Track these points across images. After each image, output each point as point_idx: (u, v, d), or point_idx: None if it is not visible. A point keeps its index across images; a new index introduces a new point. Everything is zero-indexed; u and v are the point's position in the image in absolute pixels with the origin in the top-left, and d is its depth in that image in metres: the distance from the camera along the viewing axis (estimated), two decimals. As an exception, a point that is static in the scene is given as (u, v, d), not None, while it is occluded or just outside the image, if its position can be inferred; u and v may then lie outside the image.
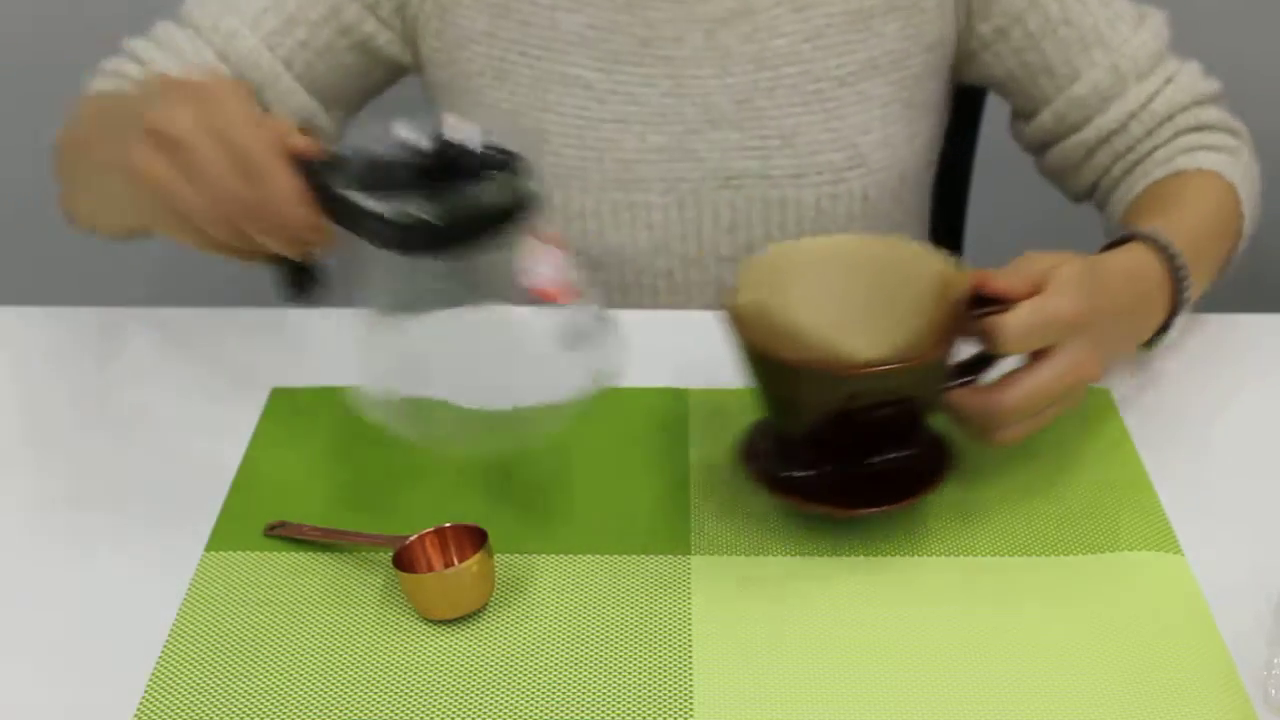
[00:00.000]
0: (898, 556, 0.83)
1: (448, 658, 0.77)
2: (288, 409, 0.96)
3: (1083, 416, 0.94)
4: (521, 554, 0.83)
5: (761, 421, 0.88)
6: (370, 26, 1.11)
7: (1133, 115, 1.11)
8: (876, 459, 0.84)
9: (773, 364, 0.81)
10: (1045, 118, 1.14)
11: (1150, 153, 1.11)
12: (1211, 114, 1.12)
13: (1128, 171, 1.12)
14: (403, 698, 0.74)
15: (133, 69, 1.07)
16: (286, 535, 0.84)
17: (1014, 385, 0.82)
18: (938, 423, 0.86)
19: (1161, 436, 0.92)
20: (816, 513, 0.83)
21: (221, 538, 0.85)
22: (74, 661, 0.77)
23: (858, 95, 1.10)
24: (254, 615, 0.79)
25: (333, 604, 0.80)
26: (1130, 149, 1.12)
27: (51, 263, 1.89)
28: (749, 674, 0.76)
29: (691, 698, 0.74)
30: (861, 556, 0.83)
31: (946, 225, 1.38)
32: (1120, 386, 0.97)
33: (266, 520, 0.85)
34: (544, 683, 0.75)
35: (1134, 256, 0.94)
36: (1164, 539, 0.84)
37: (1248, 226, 1.09)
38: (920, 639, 0.77)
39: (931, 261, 0.85)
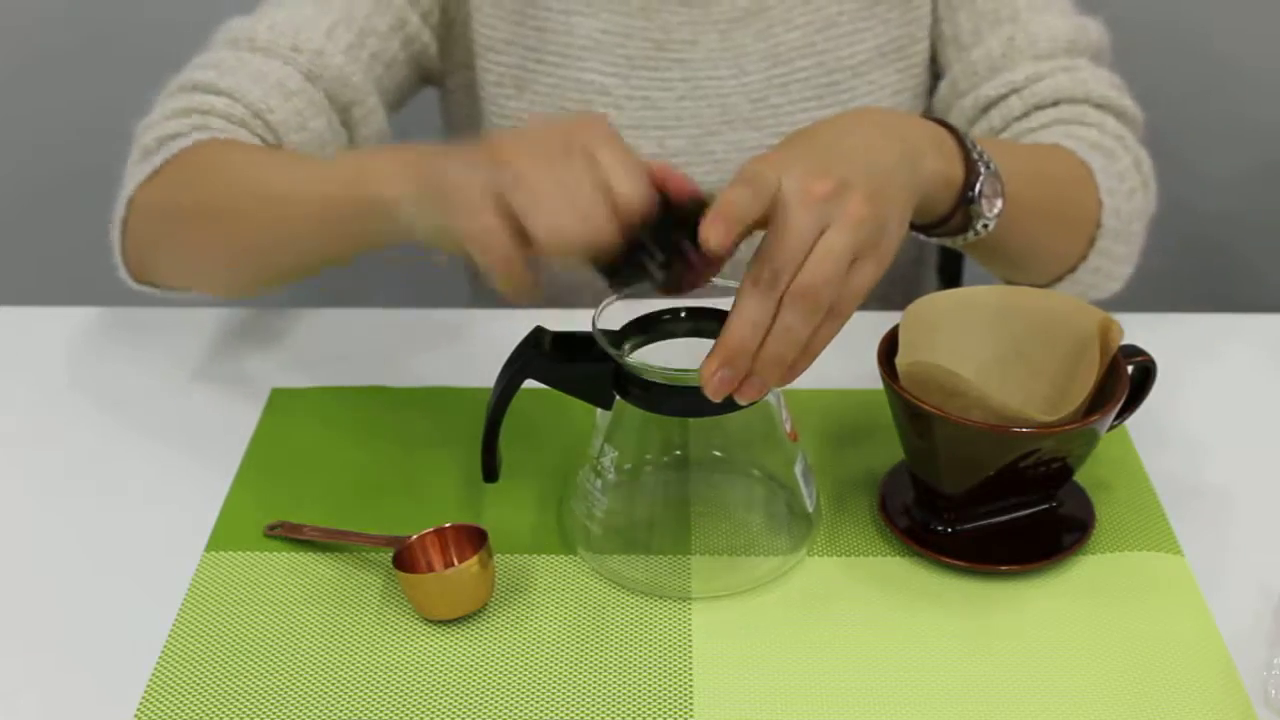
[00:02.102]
0: (897, 557, 0.83)
1: (448, 658, 0.77)
2: (288, 409, 0.96)
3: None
4: (521, 554, 0.83)
5: (898, 473, 0.87)
6: (426, 36, 1.10)
7: (1015, 89, 1.06)
8: (1022, 513, 0.84)
9: (952, 426, 0.78)
10: (943, 87, 1.11)
11: (1024, 135, 1.05)
12: (1102, 119, 1.05)
13: None
14: (403, 698, 0.74)
15: (218, 101, 0.98)
16: (286, 535, 0.84)
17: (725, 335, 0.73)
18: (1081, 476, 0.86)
19: (1162, 437, 0.92)
20: (961, 568, 0.82)
21: (221, 538, 0.85)
22: (74, 661, 0.77)
23: (870, 85, 1.11)
24: (254, 615, 0.79)
25: (333, 604, 0.80)
26: (1006, 126, 1.07)
27: (51, 263, 1.89)
28: (749, 674, 0.76)
29: (691, 698, 0.74)
30: (861, 556, 0.83)
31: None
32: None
33: (266, 520, 0.85)
34: (544, 683, 0.75)
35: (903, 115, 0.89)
36: (1164, 539, 0.84)
37: (1111, 223, 1.00)
38: (920, 639, 0.77)
39: (1078, 313, 0.84)
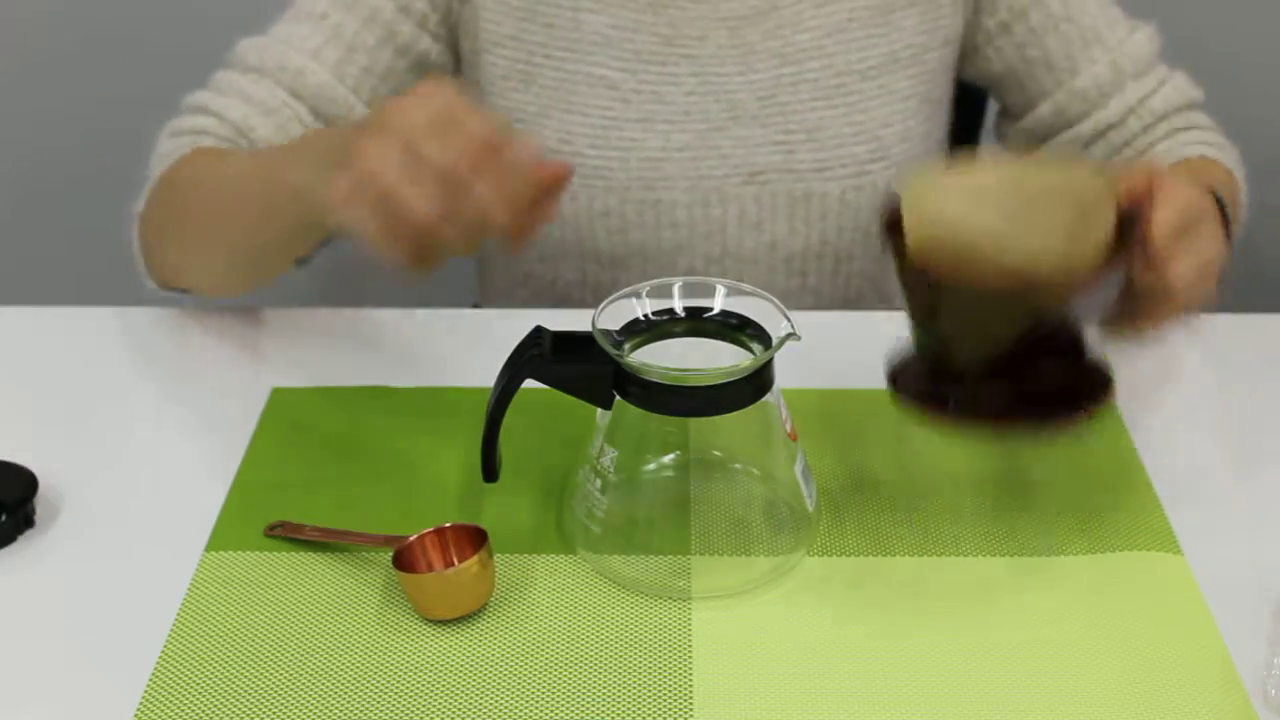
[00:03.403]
0: (897, 556, 0.83)
1: (448, 658, 0.77)
2: (288, 409, 0.96)
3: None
4: (521, 554, 0.83)
5: (906, 357, 0.84)
6: (424, 44, 1.11)
7: (1131, 111, 1.13)
8: (1037, 381, 0.80)
9: (969, 292, 0.76)
10: (1043, 111, 1.15)
11: (1148, 148, 1.13)
12: (1202, 119, 1.15)
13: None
14: (403, 698, 0.74)
15: (208, 121, 1.05)
16: (286, 535, 0.84)
17: (1162, 219, 0.79)
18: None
19: (1161, 436, 0.92)
20: (987, 431, 0.80)
21: (221, 538, 0.85)
22: (74, 662, 0.77)
23: (879, 89, 1.11)
24: (254, 615, 0.79)
25: (333, 604, 0.80)
26: (1127, 144, 1.14)
27: (51, 263, 1.89)
28: (749, 674, 0.76)
29: (691, 698, 0.74)
30: (861, 556, 0.83)
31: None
32: (1120, 387, 0.97)
33: (266, 520, 0.85)
34: (544, 683, 0.75)
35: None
36: (1164, 539, 0.84)
37: (1243, 216, 1.10)
38: (920, 639, 0.77)
39: (1075, 171, 0.82)
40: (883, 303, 1.18)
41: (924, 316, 0.81)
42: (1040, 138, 1.17)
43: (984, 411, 0.80)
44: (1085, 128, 1.14)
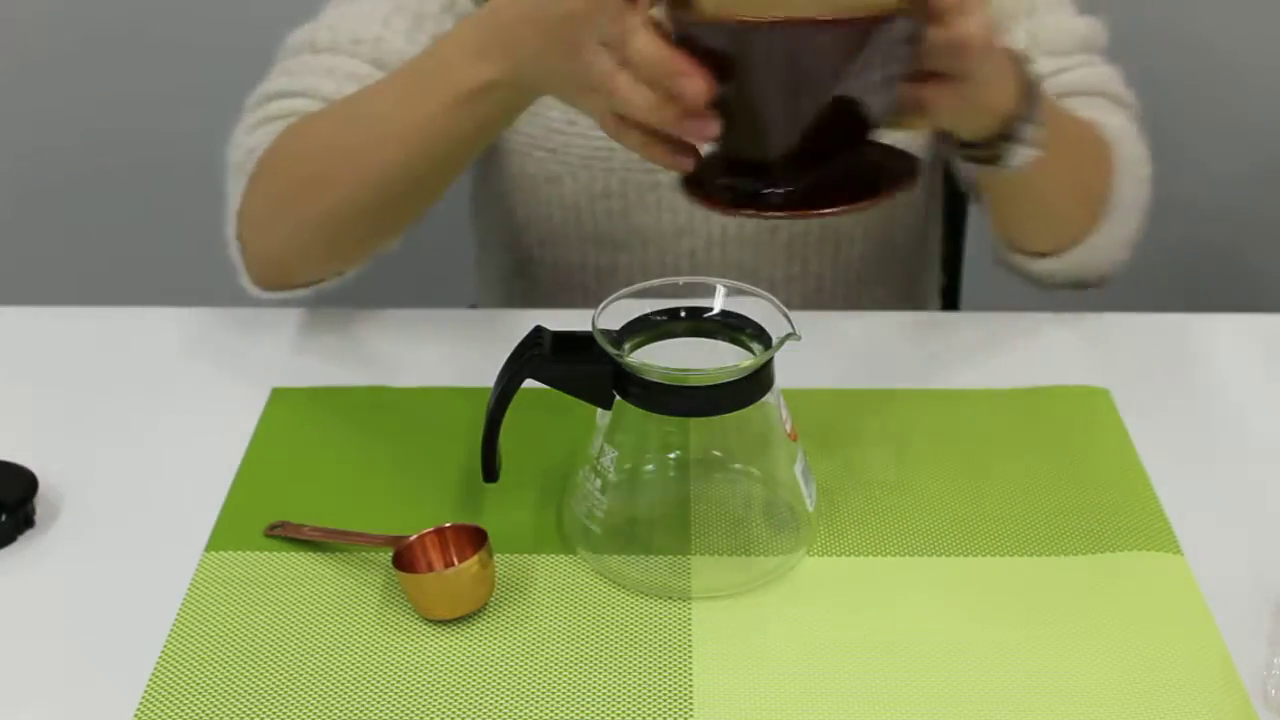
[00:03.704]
0: (897, 556, 0.83)
1: (448, 658, 0.77)
2: (288, 409, 0.96)
3: (1083, 416, 0.94)
4: (521, 554, 0.83)
5: (704, 160, 0.80)
6: (472, 8, 1.08)
7: (1040, 79, 1.06)
8: (839, 163, 0.78)
9: (765, 36, 0.73)
10: None
11: None
12: (1115, 112, 1.08)
13: None
14: (403, 698, 0.74)
15: (298, 102, 1.01)
16: (286, 535, 0.84)
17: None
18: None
19: (1161, 436, 0.92)
20: (781, 217, 0.79)
21: (221, 538, 0.85)
22: (74, 662, 0.77)
23: None
24: (254, 615, 0.79)
25: (333, 604, 0.80)
26: None
27: (51, 263, 1.89)
28: (749, 674, 0.76)
29: (691, 698, 0.74)
30: (861, 556, 0.83)
31: (951, 206, 1.37)
32: (1120, 387, 0.97)
33: (266, 520, 0.85)
34: (544, 683, 0.75)
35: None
36: (1164, 539, 0.84)
37: (1120, 205, 1.04)
38: (920, 639, 0.77)
39: None
40: (877, 304, 1.18)
41: (722, 86, 0.75)
42: None
43: (790, 200, 0.77)
44: None
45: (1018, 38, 1.09)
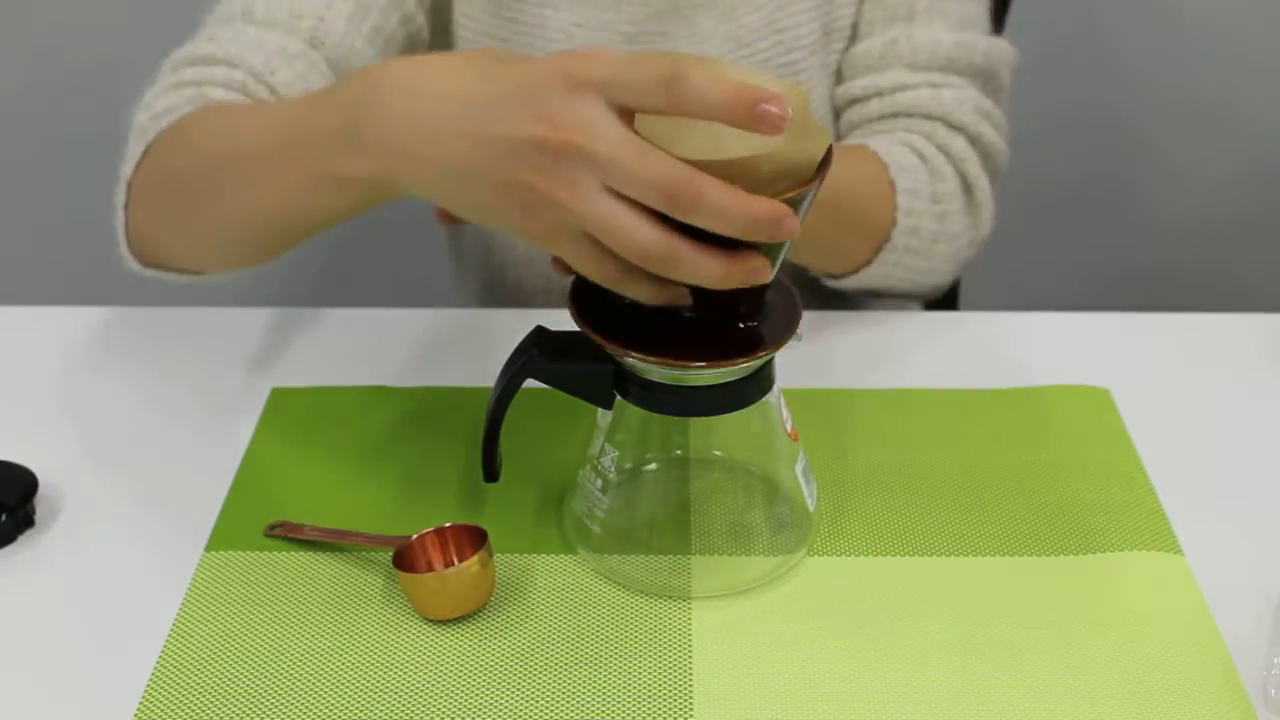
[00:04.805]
0: (897, 556, 0.83)
1: (448, 658, 0.77)
2: (288, 409, 0.96)
3: (1083, 416, 0.94)
4: (521, 554, 0.83)
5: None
6: (420, 20, 1.09)
7: (878, 93, 1.08)
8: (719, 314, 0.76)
9: None
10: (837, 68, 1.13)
11: (869, 137, 1.07)
12: (950, 139, 1.06)
13: None
14: (403, 698, 0.74)
15: (217, 71, 0.96)
16: (286, 535, 0.84)
17: None
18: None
19: (1161, 436, 0.92)
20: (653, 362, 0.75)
21: (221, 538, 0.85)
22: (74, 661, 0.77)
23: (821, 62, 1.12)
24: (254, 615, 0.79)
25: (333, 604, 0.80)
26: (860, 125, 1.09)
27: (52, 263, 1.89)
28: (749, 674, 0.76)
29: (691, 698, 0.74)
30: (861, 556, 0.83)
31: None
32: (1120, 387, 0.97)
33: (266, 520, 0.85)
34: (544, 683, 0.75)
35: None
36: (1164, 539, 0.84)
37: (903, 240, 1.02)
38: (920, 639, 0.78)
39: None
40: (878, 304, 1.18)
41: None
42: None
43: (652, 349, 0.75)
44: (839, 92, 1.10)
45: (875, 46, 1.08)
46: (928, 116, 1.07)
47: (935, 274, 1.06)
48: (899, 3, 1.09)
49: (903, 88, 1.07)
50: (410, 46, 1.10)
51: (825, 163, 0.72)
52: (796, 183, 0.70)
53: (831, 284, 1.06)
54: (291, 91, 0.96)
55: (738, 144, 0.68)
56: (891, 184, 1.01)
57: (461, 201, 0.73)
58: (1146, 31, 1.77)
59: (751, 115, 0.65)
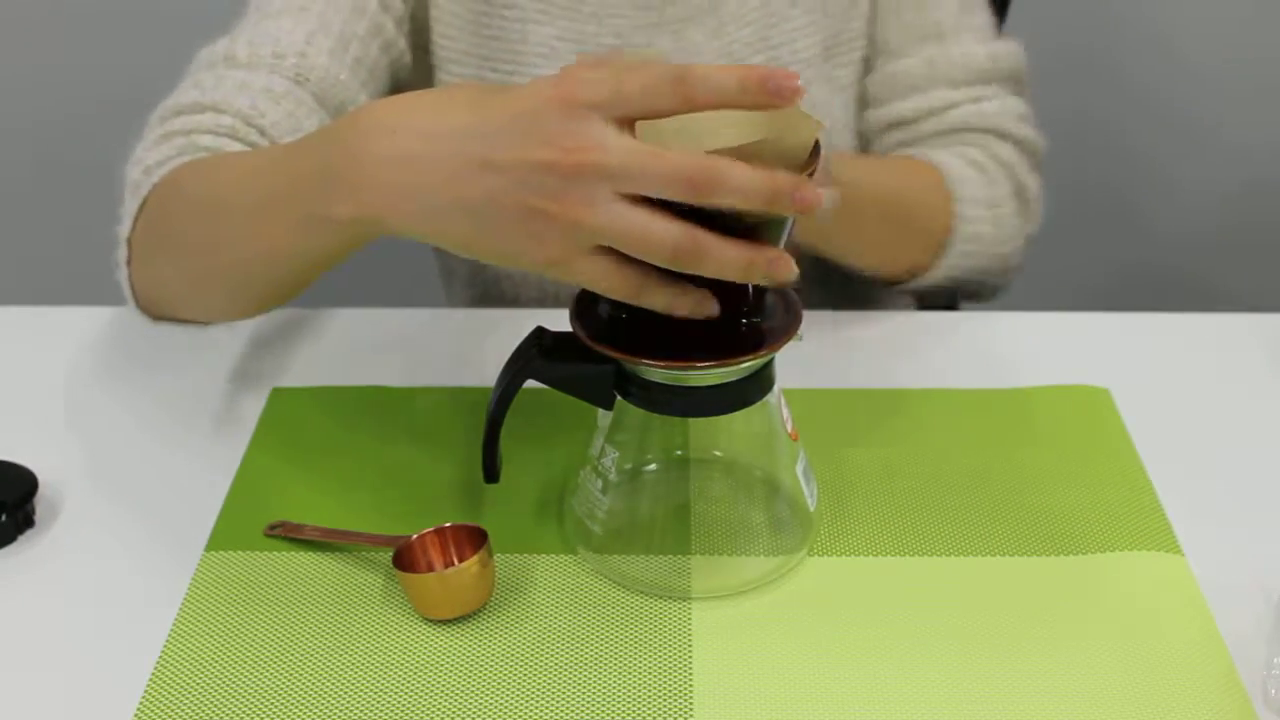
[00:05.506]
0: (897, 556, 0.83)
1: (448, 658, 0.77)
2: (288, 409, 0.96)
3: (1083, 416, 0.94)
4: (521, 554, 0.83)
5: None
6: (401, 45, 1.08)
7: (931, 113, 1.11)
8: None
9: None
10: (865, 84, 1.14)
11: (927, 156, 1.10)
12: (1000, 148, 1.10)
13: None
14: (403, 698, 0.74)
15: (204, 118, 0.95)
16: (286, 535, 0.84)
17: None
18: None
19: (1161, 436, 0.92)
20: (655, 366, 0.75)
21: (221, 538, 0.85)
22: (74, 661, 0.77)
23: (822, 77, 1.12)
24: (254, 615, 0.79)
25: (333, 604, 0.80)
26: (912, 144, 1.11)
27: (52, 263, 1.89)
28: (749, 674, 0.76)
29: (691, 698, 0.74)
30: (861, 556, 0.83)
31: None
32: (1120, 387, 0.97)
33: (266, 520, 0.85)
34: (544, 683, 0.75)
35: None
36: (1164, 539, 0.84)
37: (962, 246, 1.06)
38: (920, 639, 0.77)
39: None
40: (875, 305, 1.18)
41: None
42: (862, 110, 1.15)
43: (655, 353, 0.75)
44: (883, 114, 1.12)
45: (915, 65, 1.11)
46: (978, 130, 1.10)
47: (1001, 275, 1.10)
48: (926, 23, 1.11)
49: (951, 105, 1.10)
50: (394, 72, 1.09)
51: (817, 149, 0.73)
52: (792, 168, 0.71)
53: (896, 289, 1.09)
54: (281, 131, 0.96)
55: (730, 138, 0.69)
56: (949, 193, 1.05)
57: (460, 236, 0.71)
58: (1140, 45, 1.78)
59: (765, 90, 0.66)
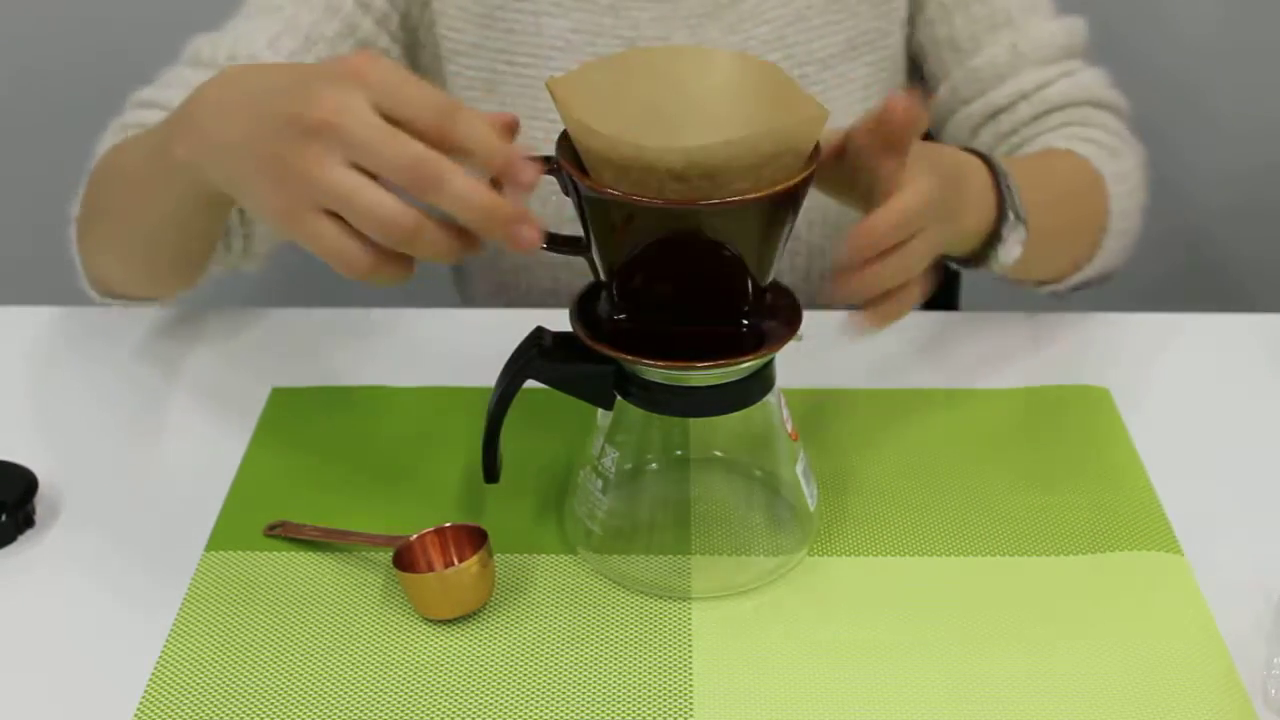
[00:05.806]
0: (898, 556, 0.83)
1: (448, 658, 0.77)
2: (288, 409, 0.96)
3: (1083, 416, 0.94)
4: (521, 554, 0.83)
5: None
6: (384, 42, 1.09)
7: (1024, 96, 1.10)
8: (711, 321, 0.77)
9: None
10: (943, 91, 1.13)
11: (1035, 138, 1.09)
12: (1104, 117, 1.10)
13: (1010, 154, 1.10)
14: (403, 698, 0.74)
15: (151, 115, 0.97)
16: (286, 535, 0.84)
17: (883, 210, 0.74)
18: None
19: (1161, 436, 0.92)
20: (649, 365, 0.75)
21: (221, 538, 0.85)
22: (74, 661, 0.77)
23: (839, 77, 1.11)
24: (254, 615, 0.79)
25: (333, 604, 0.80)
26: (1015, 131, 1.11)
27: (52, 263, 1.89)
28: (749, 674, 0.76)
29: (691, 698, 0.74)
30: (861, 556, 0.83)
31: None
32: (1120, 386, 0.97)
33: (266, 520, 0.85)
34: (544, 683, 0.75)
35: (964, 156, 0.89)
36: (1164, 539, 0.84)
37: (1117, 226, 1.05)
38: (920, 639, 0.77)
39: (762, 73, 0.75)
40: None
41: (617, 245, 0.76)
42: (943, 119, 1.14)
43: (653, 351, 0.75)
44: (976, 109, 1.11)
45: (999, 53, 1.10)
46: (1078, 104, 1.10)
47: (1125, 253, 1.09)
48: (995, 11, 1.10)
49: (1046, 83, 1.10)
50: None
51: (817, 149, 0.74)
52: (798, 157, 0.71)
53: (1045, 290, 1.06)
54: None
55: (738, 126, 0.69)
56: (1101, 179, 1.04)
57: (230, 177, 0.74)
58: (1142, 29, 1.77)
59: (506, 172, 0.70)
